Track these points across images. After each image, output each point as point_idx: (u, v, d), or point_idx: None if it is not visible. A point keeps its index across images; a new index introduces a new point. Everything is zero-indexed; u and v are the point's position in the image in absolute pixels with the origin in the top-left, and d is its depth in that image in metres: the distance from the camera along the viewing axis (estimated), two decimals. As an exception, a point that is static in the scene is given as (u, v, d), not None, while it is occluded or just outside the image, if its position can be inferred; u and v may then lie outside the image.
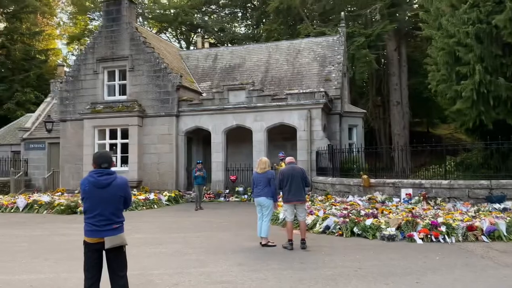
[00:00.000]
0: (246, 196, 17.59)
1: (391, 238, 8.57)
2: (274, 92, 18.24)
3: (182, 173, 18.86)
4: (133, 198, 15.17)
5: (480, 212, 9.81)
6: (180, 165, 18.78)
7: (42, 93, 36.89)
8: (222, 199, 17.80)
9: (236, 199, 17.62)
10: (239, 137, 19.26)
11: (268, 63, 21.66)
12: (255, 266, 6.76)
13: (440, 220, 8.82)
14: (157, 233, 10.12)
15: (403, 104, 29.59)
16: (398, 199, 12.09)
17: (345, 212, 10.22)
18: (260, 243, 8.28)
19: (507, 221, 8.62)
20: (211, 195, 17.94)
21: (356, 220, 9.30)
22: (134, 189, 17.85)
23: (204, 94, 20.73)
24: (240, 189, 18.00)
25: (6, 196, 17.11)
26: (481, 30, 12.96)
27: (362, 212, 10.03)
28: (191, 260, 7.19)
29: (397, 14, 30.32)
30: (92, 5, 43.31)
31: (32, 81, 35.87)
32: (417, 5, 29.89)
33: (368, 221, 9.18)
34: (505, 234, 8.31)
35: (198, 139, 21.01)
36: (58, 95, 20.88)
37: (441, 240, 8.36)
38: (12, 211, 14.52)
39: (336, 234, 9.22)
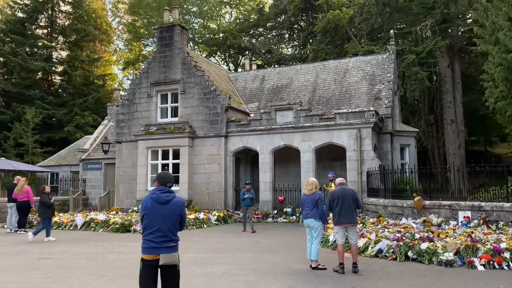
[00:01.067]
0: (294, 217, 17.43)
1: (449, 263, 8.13)
2: (322, 112, 18.13)
3: (231, 193, 19.04)
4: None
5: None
6: (228, 185, 18.99)
7: (99, 116, 38.99)
8: (270, 219, 17.74)
9: (284, 220, 17.50)
10: (286, 157, 19.24)
11: (315, 83, 21.65)
12: (305, 289, 6.63)
13: (503, 245, 8.26)
14: (207, 252, 10.21)
15: (458, 122, 28.37)
16: (455, 222, 11.47)
17: (398, 235, 9.82)
18: (310, 265, 8.13)
19: None
20: (259, 216, 17.93)
21: (411, 244, 8.91)
22: (185, 208, 18.21)
23: (252, 115, 20.98)
24: (289, 210, 17.86)
25: (65, 214, 18.03)
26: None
27: (417, 236, 9.59)
28: (240, 281, 7.18)
29: (449, 30, 29.40)
30: (146, 32, 45.57)
31: (91, 104, 38.02)
32: (470, 20, 28.86)
33: (424, 245, 8.77)
34: None
35: (246, 159, 21.20)
36: (114, 117, 21.95)
37: (505, 267, 7.82)
38: (71, 228, 15.27)
39: (389, 258, 8.89)
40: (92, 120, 36.88)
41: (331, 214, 8.43)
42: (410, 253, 8.72)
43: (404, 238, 9.51)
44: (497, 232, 10.12)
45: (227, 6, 48.99)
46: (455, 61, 29.74)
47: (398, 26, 33.70)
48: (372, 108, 16.95)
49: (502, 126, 17.94)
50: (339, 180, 8.39)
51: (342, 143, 17.06)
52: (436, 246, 8.75)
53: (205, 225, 15.83)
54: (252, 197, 14.43)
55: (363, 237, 10.08)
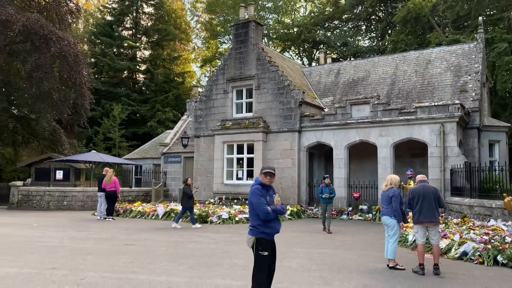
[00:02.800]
0: (370, 215, 16.90)
1: (547, 272, 7.35)
2: (401, 106, 17.31)
3: (304, 188, 18.95)
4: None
5: None
6: (301, 180, 18.91)
7: (179, 112, 40.90)
8: (344, 216, 17.37)
9: (360, 218, 17.02)
10: (362, 153, 18.70)
11: (394, 75, 20.72)
12: (382, 289, 6.39)
13: None
14: (281, 247, 10.23)
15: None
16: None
17: (485, 237, 9.08)
18: (387, 265, 7.83)
19: None
20: (333, 212, 17.55)
21: (501, 248, 8.20)
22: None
23: (326, 110, 20.64)
24: (364, 207, 17.35)
25: (148, 204, 19.16)
26: None
27: (508, 239, 8.80)
28: (314, 276, 7.12)
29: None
30: (223, 30, 46.78)
31: (171, 101, 39.99)
32: None
33: (516, 250, 8.02)
34: None
35: (320, 154, 20.94)
36: (192, 113, 22.87)
37: None
38: (153, 218, 16.21)
39: (476, 261, 8.26)
40: (173, 116, 38.79)
41: (410, 213, 8.03)
42: (499, 258, 8.03)
43: (492, 241, 8.78)
44: None
45: (301, 0, 48.58)
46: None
47: (487, 13, 31.13)
48: (457, 101, 15.82)
49: None
50: (420, 177, 7.95)
51: (423, 138, 16.16)
52: (531, 251, 7.96)
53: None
54: (333, 194, 13.13)
55: (446, 238, 9.48)
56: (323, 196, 12.84)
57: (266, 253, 4.97)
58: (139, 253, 9.06)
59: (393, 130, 16.72)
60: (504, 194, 11.62)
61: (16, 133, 29.26)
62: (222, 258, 8.58)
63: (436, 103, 16.02)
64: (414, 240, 9.87)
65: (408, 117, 16.36)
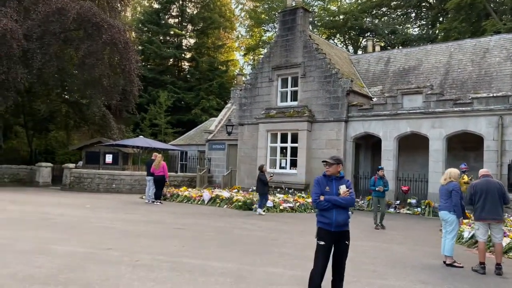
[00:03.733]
0: (419, 209, 16.33)
1: None
2: (456, 96, 16.48)
3: (350, 179, 18.54)
4: (302, 201, 15.62)
5: None
6: (347, 171, 18.50)
7: (222, 100, 41.23)
8: (392, 210, 16.87)
9: (408, 212, 16.49)
10: (412, 145, 18.05)
11: (448, 65, 19.75)
12: (440, 286, 6.11)
13: None
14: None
15: None
16: None
17: (552, 238, 8.52)
18: (444, 262, 7.50)
19: None
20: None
21: None
22: (302, 192, 18.38)
23: (374, 99, 20.06)
24: (413, 201, 16.76)
25: (193, 189, 19.47)
26: None
27: None
28: (368, 270, 6.93)
29: None
30: (267, 18, 46.44)
31: (215, 89, 40.31)
32: None
33: None
34: None
35: (367, 145, 20.43)
36: (237, 101, 22.92)
37: None
38: (199, 203, 16.46)
39: (541, 263, 7.75)
40: (216, 104, 39.12)
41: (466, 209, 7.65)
42: None
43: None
44: None
45: (348, -13, 47.26)
46: None
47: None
48: (519, 92, 14.86)
49: None
50: (483, 171, 7.52)
51: (479, 131, 15.35)
52: None
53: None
54: (387, 187, 12.29)
55: (505, 237, 8.97)
56: (376, 189, 11.94)
57: (322, 243, 4.85)
58: (188, 238, 9.19)
59: (446, 121, 15.98)
60: None
61: (68, 117, 30.58)
62: (271, 246, 8.54)
63: (494, 94, 15.14)
64: (471, 237, 9.44)
65: (464, 108, 15.56)
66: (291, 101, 20.42)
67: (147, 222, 11.27)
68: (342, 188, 4.90)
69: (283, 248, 8.41)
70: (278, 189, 19.32)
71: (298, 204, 15.35)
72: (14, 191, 19.72)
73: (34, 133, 31.71)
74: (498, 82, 17.48)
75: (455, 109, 15.74)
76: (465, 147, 17.16)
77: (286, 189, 19.13)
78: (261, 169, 14.37)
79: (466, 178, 14.64)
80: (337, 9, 45.75)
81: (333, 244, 4.88)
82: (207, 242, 8.72)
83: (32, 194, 19.08)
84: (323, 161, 5.09)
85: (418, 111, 16.60)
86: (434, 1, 40.79)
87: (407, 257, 8.17)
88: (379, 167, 12.69)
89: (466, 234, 9.69)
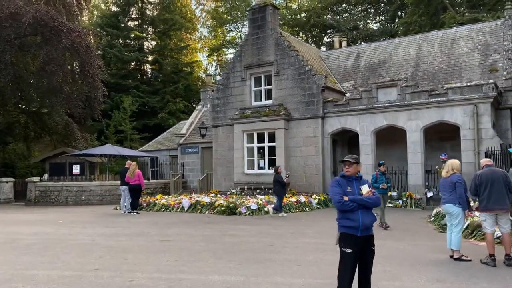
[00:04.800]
0: (400, 201, 16.37)
1: None
2: (430, 88, 16.62)
3: (329, 176, 18.40)
4: (285, 200, 15.26)
5: None
6: (326, 167, 18.37)
7: (189, 102, 40.33)
8: (373, 203, 16.84)
9: (390, 205, 16.44)
10: (387, 138, 18.10)
11: (418, 57, 20.00)
12: (459, 284, 5.88)
13: None
14: (323, 238, 9.77)
15: None
16: None
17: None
18: (450, 256, 7.32)
19: None
20: (361, 199, 17.13)
21: None
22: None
23: (347, 94, 20.04)
24: (394, 194, 16.80)
25: (170, 196, 18.70)
26: None
27: None
28: (378, 271, 6.59)
29: None
30: (229, 17, 45.92)
31: (181, 91, 39.38)
32: None
33: None
34: None
35: (343, 140, 20.37)
36: (210, 102, 22.30)
37: None
38: (178, 210, 15.76)
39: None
40: (184, 106, 38.22)
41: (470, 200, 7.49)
42: None
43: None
44: None
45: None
46: None
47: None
48: (491, 81, 15.15)
49: None
50: (485, 161, 7.39)
51: (455, 121, 15.54)
52: None
53: (307, 209, 15.47)
54: (389, 183, 11.80)
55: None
56: (380, 187, 11.03)
57: (349, 250, 4.44)
58: (179, 250, 8.60)
59: (423, 113, 16.10)
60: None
61: (27, 128, 28.86)
62: (270, 253, 8.09)
63: (468, 84, 15.36)
64: (466, 227, 9.37)
65: (439, 99, 15.72)
66: (265, 100, 20.06)
67: (130, 235, 10.54)
68: (365, 188, 4.53)
69: (283, 254, 7.99)
70: (258, 190, 18.92)
71: (282, 205, 14.96)
72: (-27, 211, 18.28)
73: (-10, 146, 29.75)
74: (468, 72, 17.83)
75: (431, 100, 15.88)
76: (440, 137, 17.39)
77: (266, 189, 18.74)
78: (277, 170, 14.21)
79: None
80: (297, 7, 45.94)
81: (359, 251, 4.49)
82: (200, 254, 8.17)
83: (-5, 212, 17.71)
84: (341, 161, 4.73)
85: (394, 104, 16.64)
86: (392, -4, 41.72)
87: (411, 253, 7.95)
88: (380, 162, 11.86)
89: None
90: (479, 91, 15.00)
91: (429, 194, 15.57)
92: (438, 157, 14.96)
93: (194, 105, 42.59)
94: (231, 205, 14.60)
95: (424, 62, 19.56)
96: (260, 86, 20.29)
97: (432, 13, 34.70)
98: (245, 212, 14.30)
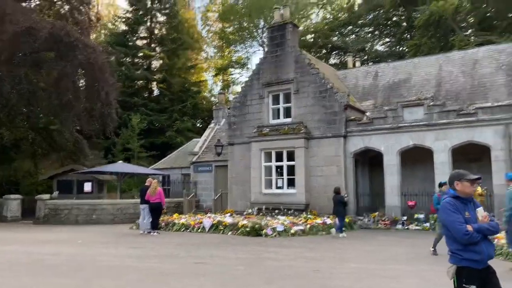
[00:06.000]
0: (428, 224, 15.80)
1: None
2: (459, 107, 16.27)
3: (351, 197, 17.85)
4: (311, 222, 14.68)
5: None
6: (349, 188, 17.82)
7: (196, 121, 39.99)
8: (399, 226, 16.30)
9: (417, 227, 15.95)
10: (413, 159, 17.64)
11: (439, 76, 19.74)
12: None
13: None
14: (367, 262, 9.19)
15: None
16: None
17: None
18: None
19: None
20: (386, 222, 16.59)
21: None
22: (303, 212, 17.50)
23: (368, 113, 19.68)
24: (421, 216, 16.24)
25: (187, 215, 18.02)
26: None
27: None
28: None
29: None
30: (238, 38, 46.05)
31: (189, 110, 39.07)
32: None
33: None
34: None
35: (364, 160, 19.90)
36: (226, 120, 21.90)
37: None
38: (199, 231, 15.11)
39: None
40: (191, 125, 37.84)
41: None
42: None
43: None
44: None
45: (314, 7, 47.85)
46: None
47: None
48: (523, 101, 14.84)
49: None
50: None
51: (485, 141, 15.14)
52: None
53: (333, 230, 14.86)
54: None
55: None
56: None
57: (473, 287, 3.86)
58: (218, 274, 8.01)
59: (451, 133, 15.71)
60: None
61: (35, 145, 28.31)
62: (321, 279, 7.51)
63: (500, 103, 15.03)
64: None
65: (468, 119, 15.36)
66: (284, 118, 19.66)
67: (160, 257, 9.93)
68: (481, 212, 3.94)
69: (336, 280, 7.42)
70: (276, 211, 18.34)
71: (308, 226, 14.40)
72: (-18, 229, 17.58)
73: (-5, 163, 29.11)
74: (494, 92, 17.53)
75: (460, 120, 15.52)
76: (467, 158, 16.92)
77: (285, 210, 18.18)
78: (338, 191, 14.27)
79: (480, 189, 14.35)
80: (303, 29, 46.21)
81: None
82: (245, 278, 7.59)
83: (5, 230, 17.01)
84: (471, 179, 3.96)
85: (421, 123, 16.26)
86: (399, 19, 42.07)
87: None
88: (442, 181, 10.85)
89: (514, 249, 9.06)
90: (511, 111, 14.65)
91: None
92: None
93: (199, 125, 42.36)
94: (256, 226, 14.00)
95: (446, 82, 19.30)
96: (278, 104, 19.92)
97: (441, 35, 34.85)
98: (270, 234, 13.69)
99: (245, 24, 45.56)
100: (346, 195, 15.46)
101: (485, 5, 32.35)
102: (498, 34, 30.64)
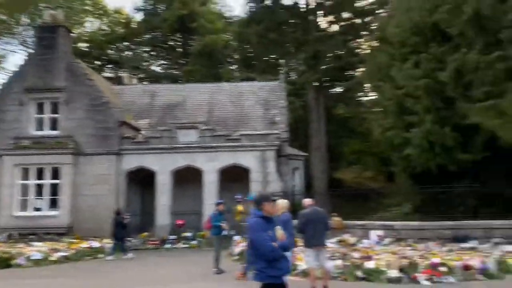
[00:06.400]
0: (195, 241, 16.52)
1: (397, 280, 8.64)
2: (226, 132, 17.87)
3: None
4: (75, 246, 13.41)
5: (457, 252, 10.49)
6: (121, 208, 17.04)
7: None
8: (168, 245, 16.41)
9: (185, 246, 16.37)
10: (184, 179, 18.31)
11: (211, 103, 21.33)
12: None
13: (436, 260, 9.17)
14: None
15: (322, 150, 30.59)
16: (368, 241, 12.43)
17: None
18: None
19: (494, 259, 9.31)
20: (155, 242, 16.51)
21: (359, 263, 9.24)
22: (63, 236, 15.78)
23: (143, 132, 19.50)
24: (189, 234, 16.84)
25: None
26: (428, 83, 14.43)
27: (356, 255, 10.03)
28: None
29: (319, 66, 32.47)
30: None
31: None
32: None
33: (370, 264, 9.18)
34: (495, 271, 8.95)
35: (137, 179, 19.46)
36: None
37: (444, 281, 8.65)
38: None
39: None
40: None
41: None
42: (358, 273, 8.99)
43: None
44: (410, 249, 11.26)
45: (89, 15, 45.30)
46: (320, 95, 32.56)
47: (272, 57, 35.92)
48: (276, 131, 17.46)
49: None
50: (308, 201, 8.26)
51: (247, 164, 17.08)
52: (379, 264, 9.24)
53: (101, 255, 13.83)
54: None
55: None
56: (221, 225, 10.33)
57: None
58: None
59: (220, 156, 17.09)
60: (333, 214, 13.25)
61: None
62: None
63: (258, 132, 17.27)
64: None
65: (234, 144, 17.05)
66: (50, 129, 17.49)
67: None
68: (279, 230, 4.31)
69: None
70: (31, 236, 15.92)
71: (73, 251, 13.00)
72: None
73: None
74: (254, 122, 20.06)
75: (227, 144, 17.07)
76: (230, 179, 18.65)
77: (43, 234, 15.99)
78: (118, 212, 14.04)
79: (241, 207, 15.91)
80: (77, 36, 43.03)
81: None
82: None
83: None
84: (272, 199, 4.40)
85: (193, 145, 17.11)
86: (176, 44, 44.10)
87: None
88: (218, 201, 11.15)
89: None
90: (266, 139, 17.04)
91: (224, 233, 16.23)
92: (230, 197, 15.84)
93: None
94: (3, 255, 11.73)
95: (217, 108, 21.01)
96: (44, 113, 17.63)
97: (212, 65, 38.15)
98: (23, 263, 11.71)
99: (3, 17, 39.02)
100: (128, 216, 14.80)
101: (248, 46, 37.12)
102: (259, 72, 35.59)
